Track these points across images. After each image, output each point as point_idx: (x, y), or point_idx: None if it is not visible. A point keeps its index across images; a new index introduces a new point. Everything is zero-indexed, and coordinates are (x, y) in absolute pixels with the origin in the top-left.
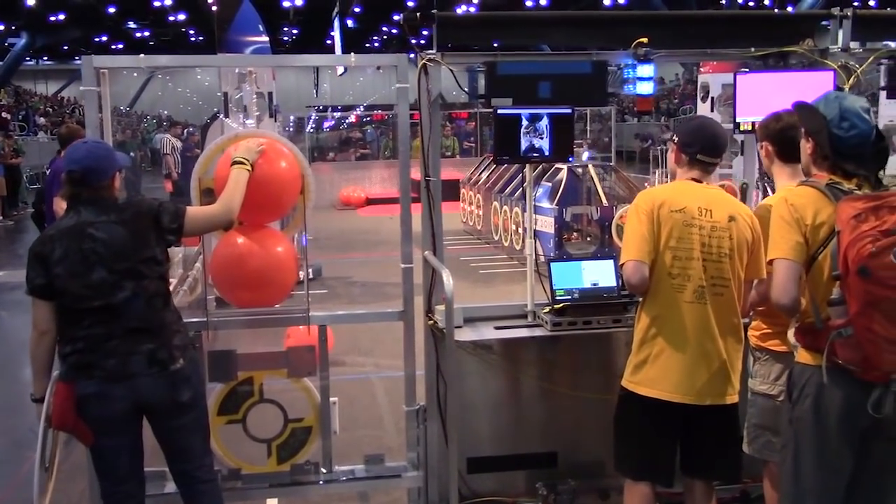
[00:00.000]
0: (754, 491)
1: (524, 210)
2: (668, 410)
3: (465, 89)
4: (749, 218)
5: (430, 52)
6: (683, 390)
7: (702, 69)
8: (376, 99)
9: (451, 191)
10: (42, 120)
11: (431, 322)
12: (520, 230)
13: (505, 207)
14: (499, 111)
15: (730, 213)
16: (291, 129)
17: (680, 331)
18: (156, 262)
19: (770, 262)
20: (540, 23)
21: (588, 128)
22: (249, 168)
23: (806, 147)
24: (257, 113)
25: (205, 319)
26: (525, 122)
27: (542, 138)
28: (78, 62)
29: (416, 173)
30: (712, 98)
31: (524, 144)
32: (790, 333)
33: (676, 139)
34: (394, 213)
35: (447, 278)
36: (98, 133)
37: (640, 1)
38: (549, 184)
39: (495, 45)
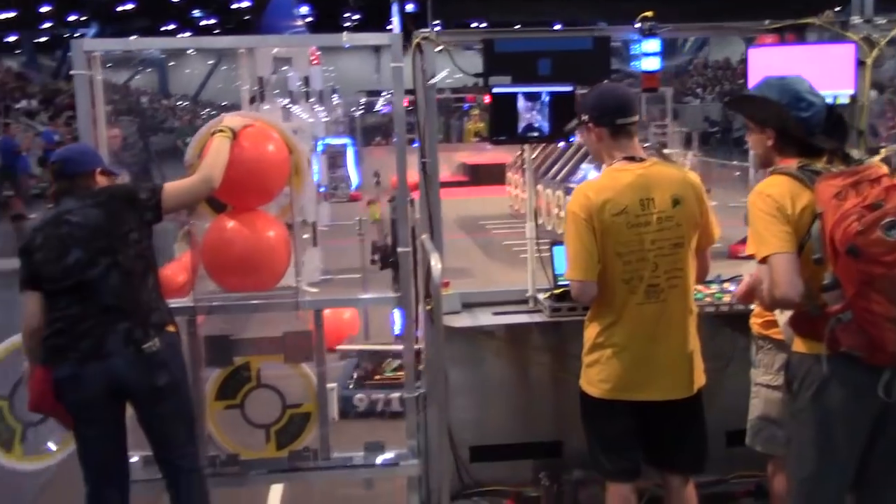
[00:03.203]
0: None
1: (567, 193)
2: (627, 408)
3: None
4: (693, 188)
5: (425, 30)
6: (646, 389)
7: None
8: (442, 80)
9: (499, 175)
10: (108, 108)
11: (429, 307)
12: (561, 213)
13: (548, 190)
14: (494, 89)
15: (673, 196)
16: (357, 113)
17: (635, 332)
18: (133, 239)
19: (764, 261)
20: None
21: (643, 108)
22: (230, 136)
23: (763, 139)
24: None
25: (192, 304)
26: (523, 101)
27: (541, 116)
28: (148, 51)
29: (466, 157)
30: None
31: (522, 123)
32: (781, 322)
33: (586, 118)
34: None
35: (436, 262)
36: (90, 119)
37: None
38: (591, 165)
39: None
